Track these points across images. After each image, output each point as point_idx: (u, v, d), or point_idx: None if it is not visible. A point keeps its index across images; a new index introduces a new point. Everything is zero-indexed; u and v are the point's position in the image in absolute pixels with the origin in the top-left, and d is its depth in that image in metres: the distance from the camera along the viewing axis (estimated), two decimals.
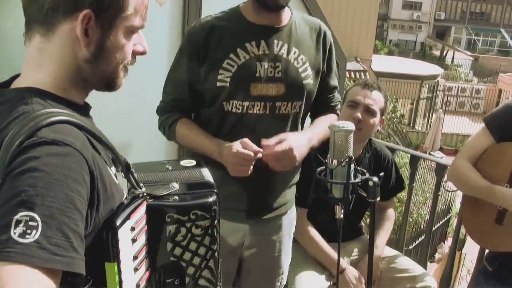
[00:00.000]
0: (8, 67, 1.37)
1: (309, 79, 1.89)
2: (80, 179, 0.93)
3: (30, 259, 0.84)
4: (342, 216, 1.58)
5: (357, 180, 1.55)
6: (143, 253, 1.16)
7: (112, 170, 1.11)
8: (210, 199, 1.22)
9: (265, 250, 2.09)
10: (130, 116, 2.17)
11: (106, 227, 1.04)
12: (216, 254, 1.26)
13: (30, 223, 0.85)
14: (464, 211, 2.29)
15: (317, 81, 1.95)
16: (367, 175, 1.57)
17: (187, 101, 1.92)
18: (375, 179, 1.54)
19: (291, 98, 1.87)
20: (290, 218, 2.13)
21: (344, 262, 2.49)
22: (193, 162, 1.37)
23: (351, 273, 2.45)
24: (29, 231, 0.85)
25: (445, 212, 10.31)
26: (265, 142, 1.75)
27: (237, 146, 1.70)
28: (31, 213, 0.86)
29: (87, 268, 0.96)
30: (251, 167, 1.72)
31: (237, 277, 2.20)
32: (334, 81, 2.06)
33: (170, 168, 1.34)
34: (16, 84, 1.06)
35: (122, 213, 1.07)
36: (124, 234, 1.06)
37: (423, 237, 7.68)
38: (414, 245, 8.47)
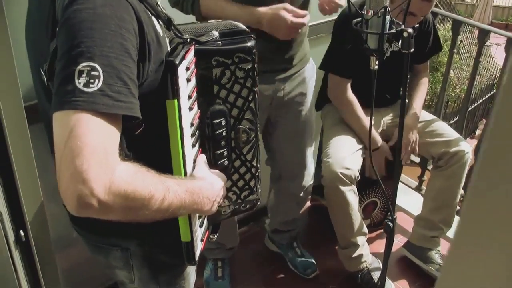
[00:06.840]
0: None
1: None
2: (131, 29, 0.99)
3: (96, 106, 0.92)
4: (376, 67, 1.58)
5: (392, 31, 1.52)
6: (195, 93, 1.25)
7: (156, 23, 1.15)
8: (249, 43, 1.29)
9: (295, 105, 2.18)
10: None
11: (166, 67, 1.11)
12: (256, 96, 1.36)
13: (93, 72, 0.92)
14: None
15: None
16: (402, 26, 1.53)
17: None
18: (410, 30, 1.54)
19: None
20: (310, 70, 2.21)
21: (379, 138, 2.51)
22: (220, 20, 1.43)
23: (385, 150, 2.53)
24: (92, 80, 0.92)
25: (489, 87, 10.10)
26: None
27: (284, 14, 1.75)
28: (92, 63, 0.92)
29: (142, 115, 1.04)
30: None
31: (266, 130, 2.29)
32: None
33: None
34: None
35: (178, 54, 1.14)
36: (181, 73, 1.15)
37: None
38: (455, 120, 8.42)
